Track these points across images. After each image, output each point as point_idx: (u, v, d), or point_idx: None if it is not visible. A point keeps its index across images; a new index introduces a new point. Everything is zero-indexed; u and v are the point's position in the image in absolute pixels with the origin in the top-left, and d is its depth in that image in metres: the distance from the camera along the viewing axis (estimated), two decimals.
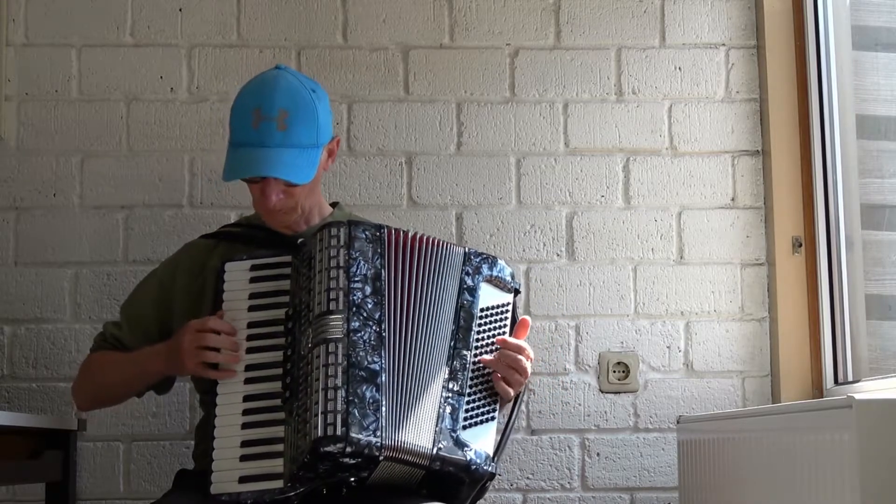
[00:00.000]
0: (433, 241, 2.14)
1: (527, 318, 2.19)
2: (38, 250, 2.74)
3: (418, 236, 2.13)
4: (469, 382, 2.07)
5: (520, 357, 2.11)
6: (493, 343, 2.13)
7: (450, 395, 2.04)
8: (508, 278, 2.20)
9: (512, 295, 2.20)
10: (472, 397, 2.07)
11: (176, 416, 2.70)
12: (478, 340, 2.11)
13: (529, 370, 2.14)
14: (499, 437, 2.12)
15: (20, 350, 2.72)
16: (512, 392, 2.11)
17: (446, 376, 2.06)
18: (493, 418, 2.08)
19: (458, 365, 2.07)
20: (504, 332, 2.15)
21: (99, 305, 2.73)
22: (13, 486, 2.67)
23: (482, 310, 2.14)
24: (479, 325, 2.12)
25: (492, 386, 2.10)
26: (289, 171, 2.16)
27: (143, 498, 2.66)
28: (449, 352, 2.08)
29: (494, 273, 2.18)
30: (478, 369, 2.10)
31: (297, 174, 2.16)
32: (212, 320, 2.08)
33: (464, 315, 2.11)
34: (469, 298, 2.13)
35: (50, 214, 2.76)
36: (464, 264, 2.15)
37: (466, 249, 2.17)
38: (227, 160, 2.21)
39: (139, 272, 2.70)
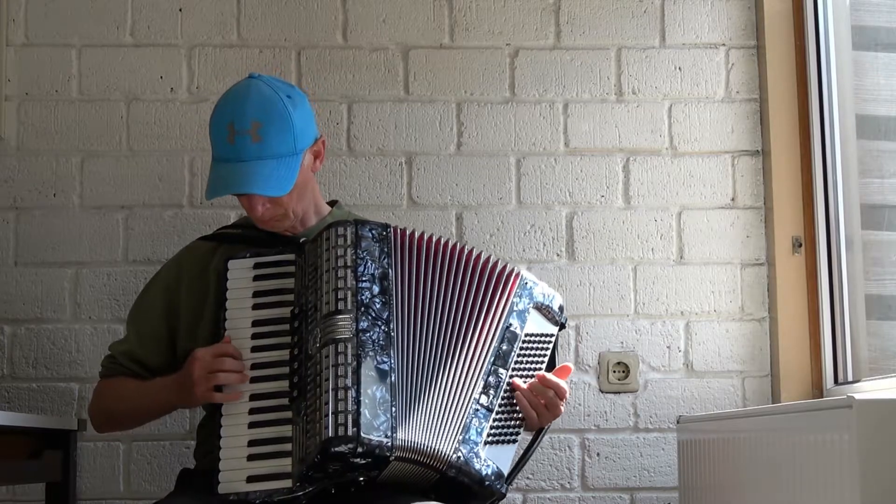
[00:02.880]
0: (471, 253, 2.14)
1: (569, 364, 2.18)
2: (38, 250, 2.74)
3: (438, 240, 2.13)
4: (500, 402, 2.08)
5: (551, 392, 2.10)
6: (530, 370, 2.12)
7: (479, 408, 2.05)
8: (557, 310, 2.20)
9: (557, 328, 2.20)
10: (500, 416, 2.07)
11: (176, 416, 2.70)
12: (517, 363, 2.11)
13: (562, 409, 2.13)
14: (514, 464, 2.12)
15: (20, 350, 2.72)
16: (537, 422, 2.11)
17: (480, 390, 2.06)
18: (514, 441, 2.08)
19: (493, 381, 2.07)
20: (543, 363, 2.15)
21: (99, 305, 2.73)
22: (13, 486, 2.67)
23: (527, 335, 2.14)
24: (522, 349, 2.13)
25: (519, 411, 2.10)
26: (266, 185, 2.15)
27: (144, 498, 2.66)
28: (488, 367, 2.08)
29: (545, 302, 2.18)
30: (510, 391, 2.10)
31: (274, 187, 2.15)
32: (220, 351, 2.07)
33: (508, 335, 2.11)
34: (516, 320, 2.13)
35: (50, 214, 2.75)
36: (518, 287, 2.15)
37: (523, 273, 2.17)
38: (209, 177, 2.20)
39: (139, 272, 2.71)
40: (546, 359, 2.16)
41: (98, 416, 2.32)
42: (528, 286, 2.17)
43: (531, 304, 2.16)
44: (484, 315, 2.10)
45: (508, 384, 2.09)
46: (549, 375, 2.12)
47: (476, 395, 2.05)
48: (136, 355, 2.28)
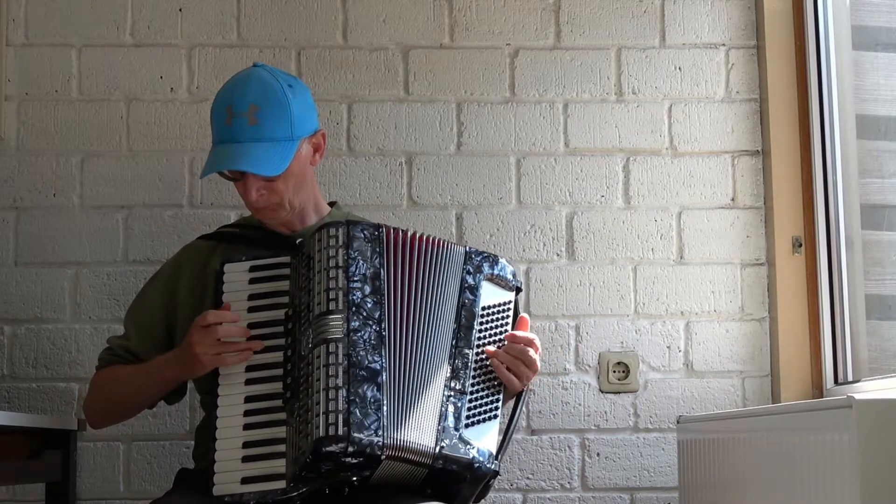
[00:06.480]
0: (432, 240, 2.14)
1: (525, 315, 2.19)
2: (38, 250, 2.74)
3: (417, 235, 2.14)
4: (471, 381, 2.07)
5: (528, 348, 2.12)
6: (495, 341, 2.13)
7: (452, 393, 2.04)
8: (510, 277, 2.20)
9: (513, 293, 2.20)
10: (475, 395, 2.07)
11: (176, 416, 2.70)
12: (479, 339, 2.11)
13: (538, 363, 2.14)
14: (501, 436, 2.12)
15: (20, 350, 2.72)
16: (519, 384, 2.11)
17: (448, 375, 2.06)
18: (495, 416, 2.08)
19: (459, 363, 2.07)
20: (506, 331, 2.15)
21: (99, 305, 2.74)
22: (13, 486, 2.67)
23: (484, 308, 2.14)
24: (481, 323, 2.13)
25: (494, 384, 2.10)
26: (257, 164, 2.16)
27: (143, 498, 2.66)
28: (451, 350, 2.08)
29: (496, 272, 2.18)
30: (480, 367, 2.10)
31: (265, 166, 2.16)
32: (211, 314, 2.08)
33: (465, 314, 2.12)
34: (470, 297, 2.13)
35: (50, 214, 2.76)
36: (465, 263, 2.16)
37: (467, 248, 2.17)
38: (207, 158, 2.22)
39: (139, 272, 2.71)
40: (509, 326, 2.16)
41: (95, 405, 2.32)
42: (475, 260, 2.17)
43: (482, 278, 2.16)
44: (441, 300, 2.10)
45: (476, 362, 2.09)
46: (517, 332, 2.13)
47: (446, 381, 2.05)
48: (134, 351, 2.29)
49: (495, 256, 2.20)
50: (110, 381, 2.29)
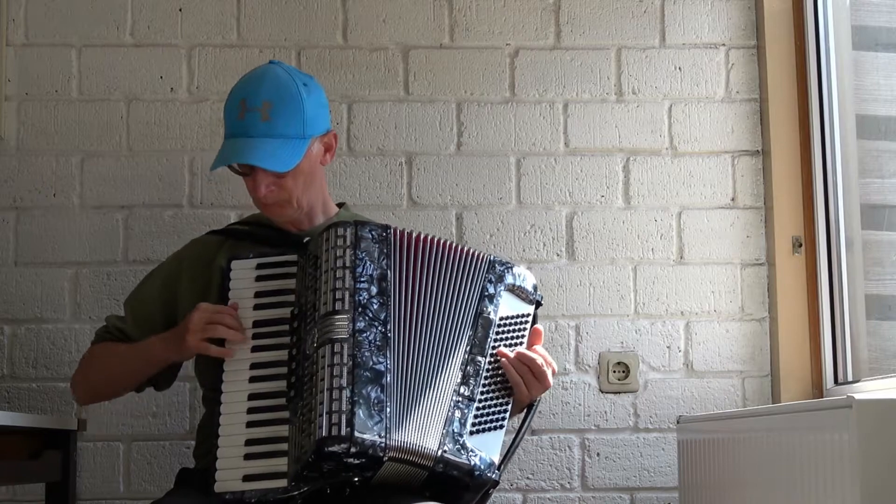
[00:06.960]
0: (447, 245, 2.13)
1: (539, 327, 2.18)
2: (38, 250, 2.74)
3: (429, 238, 2.13)
4: (481, 389, 2.06)
5: (536, 357, 2.10)
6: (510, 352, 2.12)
7: (460, 399, 2.04)
8: (531, 289, 2.19)
9: (533, 307, 2.19)
10: (483, 404, 2.06)
11: (176, 416, 2.70)
12: (494, 348, 2.10)
13: (550, 378, 2.13)
14: (507, 446, 2.12)
15: (20, 350, 2.72)
16: (525, 391, 2.10)
17: (458, 381, 2.05)
18: (501, 427, 2.07)
19: (471, 370, 2.07)
20: (522, 343, 2.14)
21: (99, 305, 2.73)
22: (13, 486, 2.67)
23: (501, 318, 2.13)
24: (497, 333, 2.12)
25: (504, 394, 2.09)
26: (267, 160, 2.17)
27: (143, 498, 2.66)
28: (464, 357, 2.07)
29: (517, 283, 2.18)
30: (491, 377, 2.09)
31: (275, 162, 2.17)
32: (224, 309, 2.09)
33: (482, 322, 2.11)
34: (489, 306, 2.12)
35: (50, 214, 2.76)
36: (487, 271, 2.15)
37: (492, 257, 2.17)
38: (217, 152, 2.23)
39: (139, 272, 2.70)
40: (525, 338, 2.15)
41: (81, 379, 2.33)
42: (498, 270, 2.16)
43: (502, 288, 2.15)
44: (457, 306, 2.10)
45: (488, 370, 2.08)
46: (523, 350, 2.11)
47: (455, 387, 2.04)
48: (129, 334, 2.31)
49: (519, 267, 2.19)
50: (100, 357, 2.31)
